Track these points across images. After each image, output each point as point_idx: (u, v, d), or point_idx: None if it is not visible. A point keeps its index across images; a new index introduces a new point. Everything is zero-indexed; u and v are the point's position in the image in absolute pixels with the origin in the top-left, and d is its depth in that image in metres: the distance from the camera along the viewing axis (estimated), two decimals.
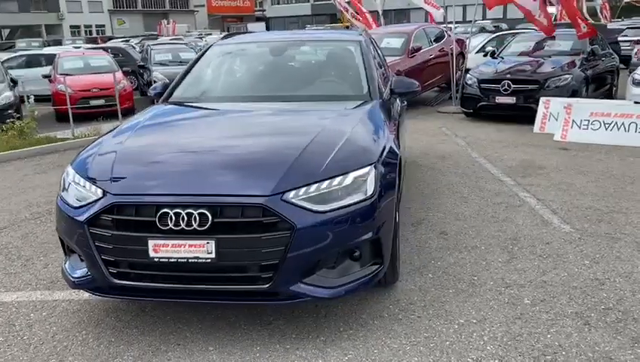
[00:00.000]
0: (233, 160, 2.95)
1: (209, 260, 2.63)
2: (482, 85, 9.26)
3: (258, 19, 59.94)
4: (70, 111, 9.67)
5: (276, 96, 3.97)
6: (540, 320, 3.01)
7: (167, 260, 2.65)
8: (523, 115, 8.82)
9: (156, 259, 2.66)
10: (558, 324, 2.96)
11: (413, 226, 4.48)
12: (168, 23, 42.54)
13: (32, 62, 16.10)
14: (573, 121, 7.73)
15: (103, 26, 53.78)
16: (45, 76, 13.03)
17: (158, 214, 2.65)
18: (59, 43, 34.08)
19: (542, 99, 8.43)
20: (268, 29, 49.94)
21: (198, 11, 59.55)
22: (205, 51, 4.63)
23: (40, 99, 13.18)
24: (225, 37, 5.12)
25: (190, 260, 2.64)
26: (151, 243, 2.65)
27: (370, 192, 2.86)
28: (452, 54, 11.00)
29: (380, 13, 17.06)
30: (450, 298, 3.29)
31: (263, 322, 3.06)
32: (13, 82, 11.77)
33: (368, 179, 2.88)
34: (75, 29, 51.61)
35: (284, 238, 2.62)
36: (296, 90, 4.05)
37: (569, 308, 3.12)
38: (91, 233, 2.76)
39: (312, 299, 2.76)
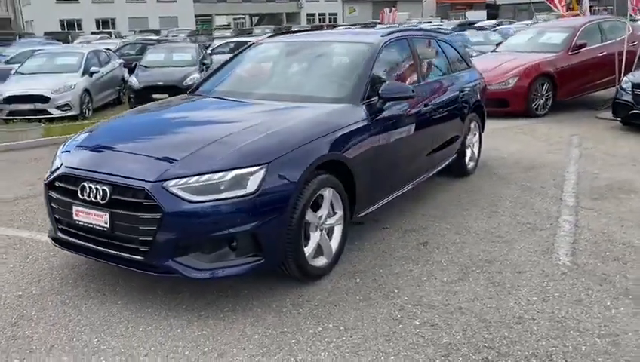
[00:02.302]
0: (150, 147, 3.45)
1: (105, 229, 3.20)
2: (636, 90, 8.01)
3: (488, 6, 57.64)
4: None
5: (265, 95, 4.29)
6: (403, 342, 2.92)
7: (83, 224, 3.31)
8: None
9: (77, 222, 3.33)
10: (414, 350, 2.85)
11: (402, 232, 4.43)
12: (390, 11, 43.78)
13: (237, 48, 18.45)
14: None
15: (336, 14, 57.53)
16: None
17: (80, 186, 3.31)
18: (289, 30, 37.65)
19: None
20: (495, 17, 47.76)
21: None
22: (244, 50, 5.15)
23: None
24: (270, 36, 5.53)
25: (96, 227, 3.25)
26: (74, 208, 3.33)
27: (251, 190, 3.10)
28: (622, 52, 9.64)
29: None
30: (348, 304, 3.33)
31: (175, 291, 3.52)
32: (204, 65, 13.81)
33: (252, 177, 3.12)
34: (310, 17, 56.27)
35: (156, 220, 3.05)
36: (284, 90, 4.31)
37: (448, 338, 2.95)
38: (49, 195, 3.55)
39: (183, 277, 3.14)
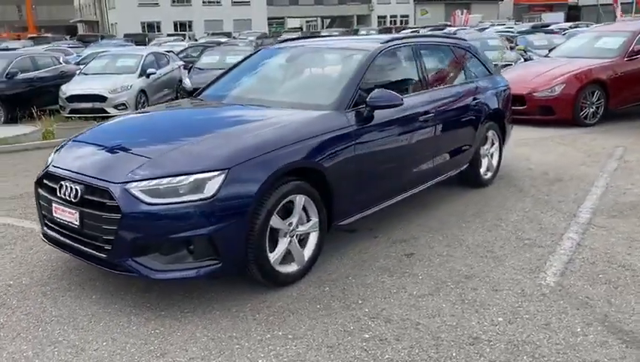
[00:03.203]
0: (127, 150, 3.57)
1: (76, 226, 3.37)
2: None
3: (571, 8, 55.11)
4: None
5: (254, 100, 4.30)
6: (345, 355, 2.87)
7: (60, 220, 3.49)
8: None
9: (56, 218, 3.53)
10: None
11: (391, 242, 4.34)
12: (462, 14, 42.77)
13: None
14: None
15: (407, 16, 56.92)
16: None
17: (58, 184, 3.49)
18: (356, 32, 37.77)
19: None
20: (576, 19, 45.65)
21: (502, 0, 57.88)
22: (249, 55, 5.24)
23: None
24: (281, 42, 5.58)
25: (69, 224, 3.42)
26: (53, 205, 3.52)
27: (209, 194, 3.16)
28: None
29: None
30: (306, 312, 3.32)
31: (147, 290, 3.63)
32: None
33: (210, 182, 3.18)
34: (381, 19, 56.01)
35: (116, 220, 3.17)
36: (273, 96, 4.34)
37: (391, 355, 2.87)
38: (37, 192, 3.78)
39: (141, 276, 3.24)
